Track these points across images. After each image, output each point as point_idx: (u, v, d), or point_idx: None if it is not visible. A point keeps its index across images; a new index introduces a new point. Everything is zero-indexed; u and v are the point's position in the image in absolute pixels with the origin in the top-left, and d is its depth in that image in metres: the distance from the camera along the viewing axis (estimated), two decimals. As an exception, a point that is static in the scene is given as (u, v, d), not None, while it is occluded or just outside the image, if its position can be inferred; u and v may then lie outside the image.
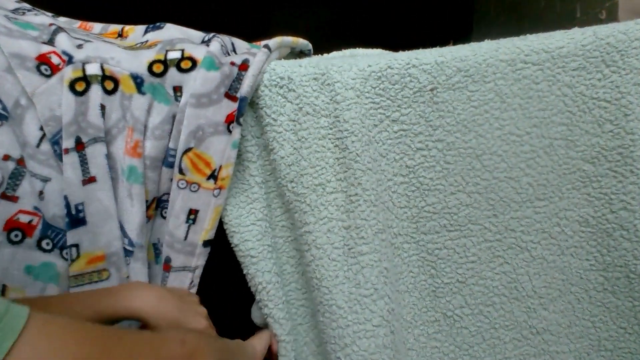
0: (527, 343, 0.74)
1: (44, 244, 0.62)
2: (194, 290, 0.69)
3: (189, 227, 0.67)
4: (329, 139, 0.68)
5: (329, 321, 0.69)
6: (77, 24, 0.75)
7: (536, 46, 0.67)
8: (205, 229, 0.67)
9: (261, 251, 0.70)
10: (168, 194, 0.68)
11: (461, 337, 0.74)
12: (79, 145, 0.62)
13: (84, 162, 0.63)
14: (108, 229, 0.64)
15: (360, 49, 0.83)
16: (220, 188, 0.66)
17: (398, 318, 0.71)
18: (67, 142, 0.61)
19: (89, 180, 0.63)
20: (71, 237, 0.62)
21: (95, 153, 0.63)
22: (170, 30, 0.71)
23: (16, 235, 0.59)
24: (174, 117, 0.66)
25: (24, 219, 0.61)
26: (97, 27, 0.76)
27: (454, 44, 0.71)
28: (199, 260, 0.68)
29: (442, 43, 0.73)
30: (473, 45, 0.68)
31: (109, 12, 0.97)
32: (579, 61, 0.67)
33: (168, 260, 0.68)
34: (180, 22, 0.75)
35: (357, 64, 0.67)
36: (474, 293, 0.73)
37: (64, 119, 0.61)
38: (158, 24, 0.73)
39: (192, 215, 0.67)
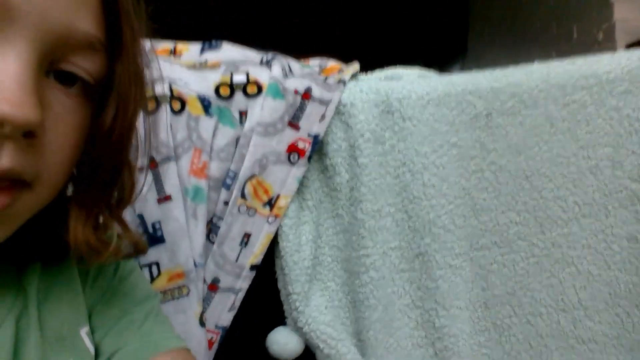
0: (573, 351, 0.75)
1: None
2: (233, 312, 0.70)
3: (240, 249, 0.69)
4: (389, 165, 0.70)
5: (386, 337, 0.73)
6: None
7: (585, 71, 0.70)
8: (254, 253, 0.69)
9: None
10: (216, 216, 0.70)
11: (509, 344, 0.76)
12: (152, 164, 0.63)
13: (158, 180, 0.64)
14: (184, 246, 0.67)
15: (400, 68, 0.85)
16: (275, 216, 0.68)
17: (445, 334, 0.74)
18: (141, 161, 0.62)
19: (164, 198, 0.64)
20: (151, 255, 0.63)
21: (169, 172, 0.65)
22: (229, 51, 0.72)
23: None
24: (237, 139, 0.67)
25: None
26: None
27: (450, 64, 0.74)
28: (244, 283, 0.70)
29: (438, 62, 0.76)
30: (525, 70, 0.71)
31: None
32: (625, 85, 0.70)
33: (216, 281, 0.70)
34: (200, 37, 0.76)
35: (415, 91, 0.70)
36: (522, 304, 0.75)
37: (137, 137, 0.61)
38: (213, 42, 0.73)
39: (246, 238, 0.69)
